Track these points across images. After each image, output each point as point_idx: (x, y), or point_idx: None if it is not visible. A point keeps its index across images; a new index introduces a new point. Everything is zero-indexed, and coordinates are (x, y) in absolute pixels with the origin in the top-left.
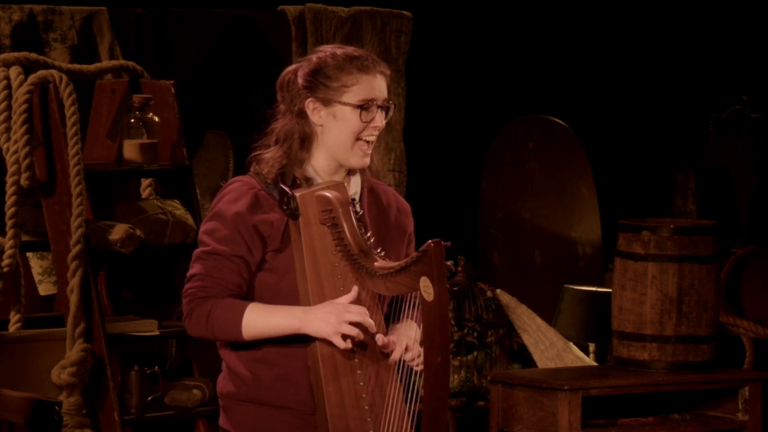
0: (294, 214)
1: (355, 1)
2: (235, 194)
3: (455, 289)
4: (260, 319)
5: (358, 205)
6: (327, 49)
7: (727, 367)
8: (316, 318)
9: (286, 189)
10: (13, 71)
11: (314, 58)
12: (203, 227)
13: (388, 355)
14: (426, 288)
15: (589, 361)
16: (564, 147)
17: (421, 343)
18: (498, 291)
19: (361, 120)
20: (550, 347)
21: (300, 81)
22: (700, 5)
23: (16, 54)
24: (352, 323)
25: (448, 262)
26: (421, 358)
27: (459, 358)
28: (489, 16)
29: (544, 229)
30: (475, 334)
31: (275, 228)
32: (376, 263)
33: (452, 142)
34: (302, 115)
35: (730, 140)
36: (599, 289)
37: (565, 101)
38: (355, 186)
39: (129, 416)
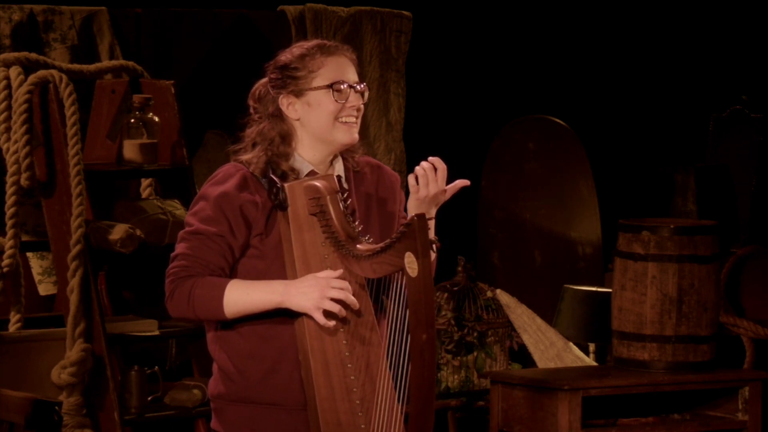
0: (282, 205)
1: (355, 1)
2: (222, 176)
3: (455, 289)
4: (241, 295)
5: (347, 195)
6: (290, 48)
7: (727, 367)
8: (297, 292)
9: (276, 179)
10: (13, 71)
11: (278, 57)
12: (190, 210)
13: (378, 346)
14: (410, 263)
15: (589, 361)
16: (564, 147)
17: (408, 322)
18: (498, 291)
19: (336, 100)
20: (550, 347)
21: (270, 85)
22: (700, 5)
23: (16, 54)
24: (334, 300)
25: (432, 238)
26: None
27: (459, 358)
28: (489, 16)
29: (544, 229)
30: (475, 334)
31: (260, 210)
32: (361, 246)
33: (452, 142)
34: (278, 114)
35: (730, 140)
36: (599, 289)
37: (565, 101)
38: (339, 169)
39: (129, 416)
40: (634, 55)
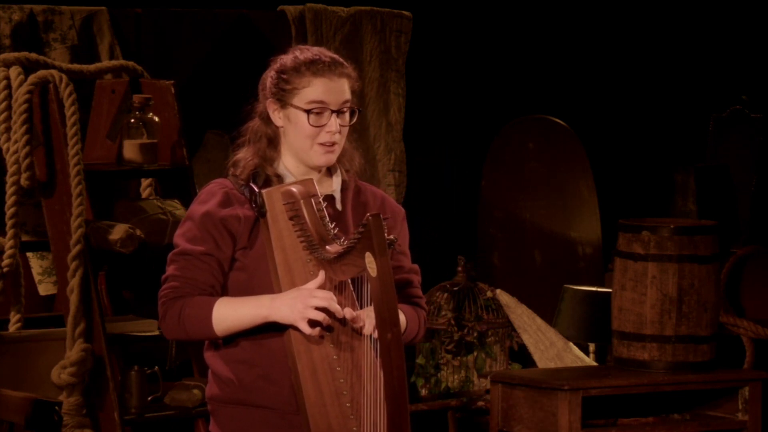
0: (261, 211)
1: (355, 1)
2: (206, 195)
3: (455, 289)
4: (230, 312)
5: (321, 198)
6: (293, 51)
7: (727, 367)
8: (282, 305)
9: (254, 187)
10: (13, 71)
11: (280, 58)
12: (177, 231)
13: (363, 345)
14: (370, 263)
15: (589, 361)
16: (564, 147)
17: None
18: (498, 291)
19: (310, 124)
20: (550, 347)
21: (267, 82)
22: (700, 5)
23: (16, 54)
24: (318, 309)
25: (389, 237)
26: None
27: (459, 358)
28: (489, 16)
29: (544, 229)
30: (475, 334)
31: (243, 224)
32: (330, 247)
33: (452, 142)
34: (265, 116)
35: (730, 140)
36: (599, 289)
37: (565, 101)
38: (336, 184)
39: (129, 416)
40: (634, 54)
